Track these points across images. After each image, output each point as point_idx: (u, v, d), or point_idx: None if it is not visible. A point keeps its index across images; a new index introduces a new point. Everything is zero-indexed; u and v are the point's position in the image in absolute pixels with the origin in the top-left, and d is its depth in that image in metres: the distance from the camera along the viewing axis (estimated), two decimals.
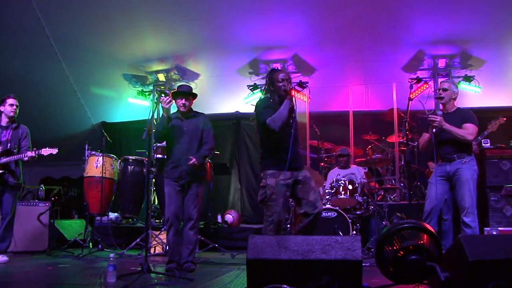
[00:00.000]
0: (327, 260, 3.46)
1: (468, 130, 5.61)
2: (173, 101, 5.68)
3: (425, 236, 3.54)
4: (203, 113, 6.02)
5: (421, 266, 3.46)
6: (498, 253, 3.32)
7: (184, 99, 5.76)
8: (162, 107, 5.56)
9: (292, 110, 4.99)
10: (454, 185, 5.69)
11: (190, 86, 6.05)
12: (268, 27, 9.37)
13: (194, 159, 5.53)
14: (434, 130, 5.68)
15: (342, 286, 3.38)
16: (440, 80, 9.78)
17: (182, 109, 5.78)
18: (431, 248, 3.52)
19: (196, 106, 5.99)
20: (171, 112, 5.71)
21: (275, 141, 4.93)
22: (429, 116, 5.68)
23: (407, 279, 3.63)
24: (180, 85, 6.05)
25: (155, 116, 5.43)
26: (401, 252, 3.52)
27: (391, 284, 3.72)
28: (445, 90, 5.83)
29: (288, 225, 7.54)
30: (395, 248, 3.54)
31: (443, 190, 5.78)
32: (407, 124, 5.52)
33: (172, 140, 5.79)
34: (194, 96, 5.88)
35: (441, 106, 5.98)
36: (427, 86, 9.57)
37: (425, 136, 5.98)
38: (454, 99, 5.87)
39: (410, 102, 5.66)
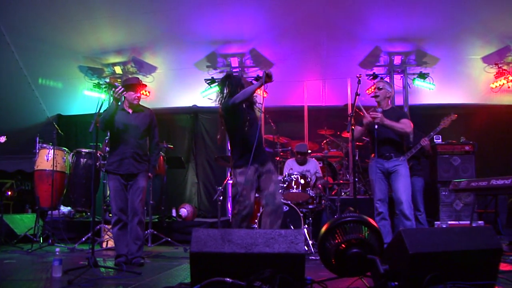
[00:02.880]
0: (270, 254, 3.46)
1: (405, 124, 6.05)
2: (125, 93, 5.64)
3: (367, 229, 3.60)
4: (150, 109, 6.04)
5: (362, 259, 3.50)
6: (437, 246, 3.39)
7: (137, 92, 5.76)
8: (114, 97, 5.52)
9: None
10: (392, 180, 6.07)
11: (137, 78, 6.05)
12: (226, 20, 9.33)
13: (151, 175, 5.84)
14: (376, 126, 5.96)
15: (285, 279, 3.38)
16: (395, 76, 9.99)
17: (135, 101, 5.78)
18: (372, 242, 3.57)
19: (154, 99, 5.96)
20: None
21: (242, 139, 5.18)
22: (370, 113, 6.00)
23: (349, 272, 3.66)
24: (127, 79, 6.00)
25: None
26: (343, 245, 3.55)
27: (335, 277, 3.75)
28: (380, 89, 6.28)
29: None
30: (337, 241, 3.57)
31: (386, 185, 6.16)
32: (352, 119, 5.68)
33: (117, 133, 5.73)
34: (143, 86, 5.87)
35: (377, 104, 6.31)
36: None
37: (357, 128, 6.25)
38: (389, 98, 6.30)
39: (357, 97, 5.80)
